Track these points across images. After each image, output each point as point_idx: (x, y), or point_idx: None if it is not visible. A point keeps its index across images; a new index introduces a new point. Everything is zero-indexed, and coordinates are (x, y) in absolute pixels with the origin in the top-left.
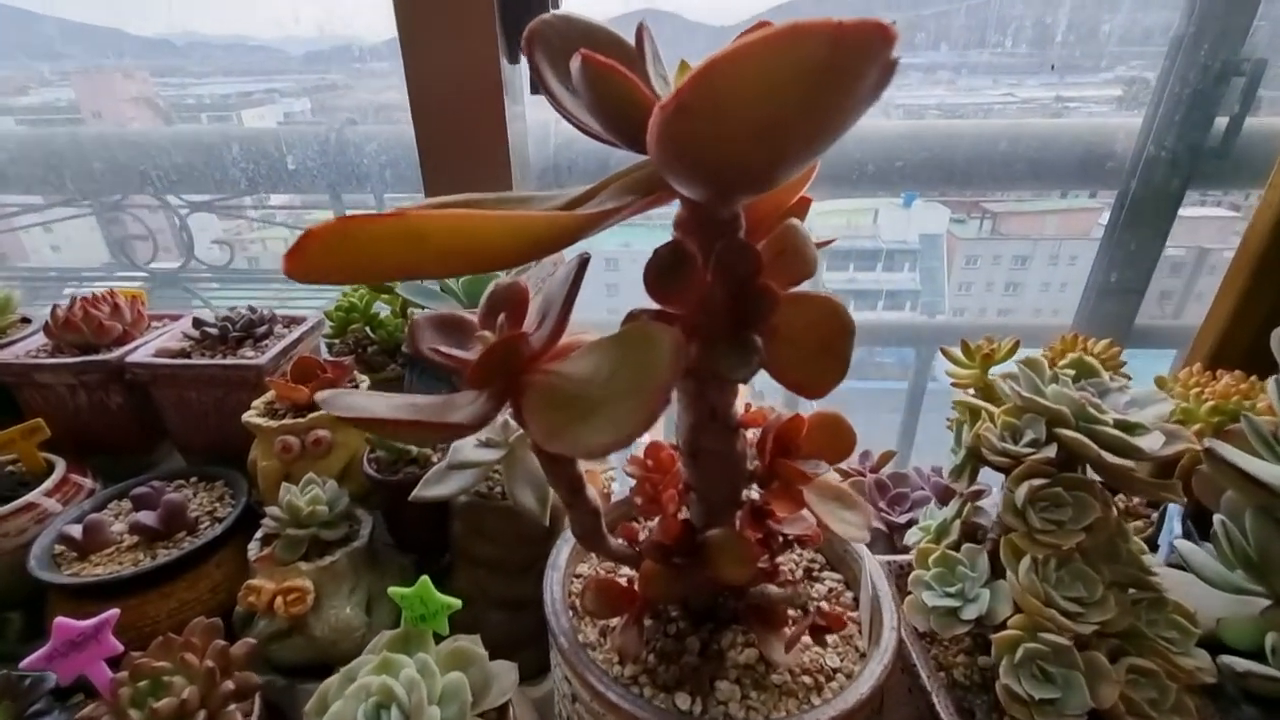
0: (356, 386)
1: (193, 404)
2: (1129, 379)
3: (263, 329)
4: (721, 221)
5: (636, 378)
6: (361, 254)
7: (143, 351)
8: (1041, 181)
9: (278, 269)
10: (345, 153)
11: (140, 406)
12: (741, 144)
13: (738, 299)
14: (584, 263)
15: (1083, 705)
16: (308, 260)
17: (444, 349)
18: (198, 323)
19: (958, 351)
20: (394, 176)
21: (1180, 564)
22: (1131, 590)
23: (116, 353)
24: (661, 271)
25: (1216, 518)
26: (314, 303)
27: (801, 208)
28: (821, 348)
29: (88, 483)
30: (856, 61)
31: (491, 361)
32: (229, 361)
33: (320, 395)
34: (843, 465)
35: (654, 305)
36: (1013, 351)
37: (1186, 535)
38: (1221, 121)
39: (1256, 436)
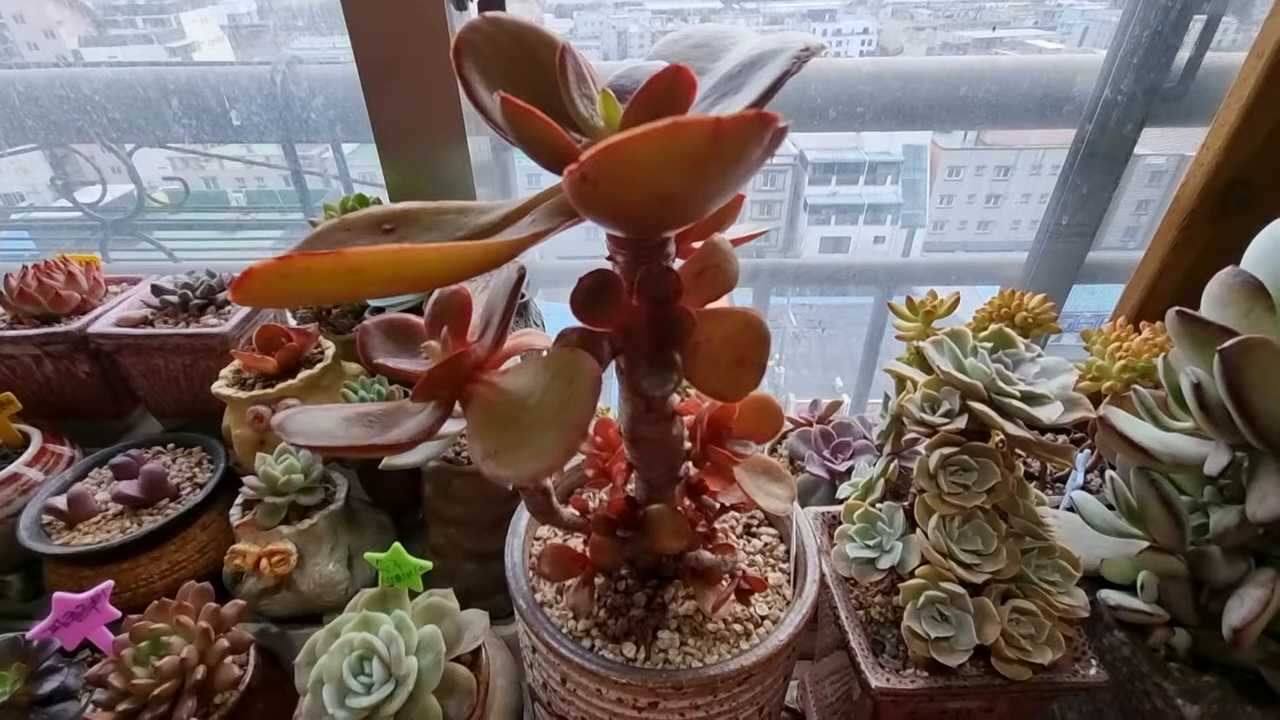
0: (322, 353)
1: (161, 371)
2: (1059, 330)
3: (223, 294)
4: (648, 247)
5: (559, 410)
6: (301, 288)
7: (104, 321)
8: (1000, 122)
9: (231, 216)
10: (292, 107)
11: (108, 374)
12: (641, 207)
13: (659, 321)
14: (521, 277)
15: (970, 642)
16: (249, 294)
17: (392, 363)
18: (157, 290)
19: (903, 306)
20: (345, 130)
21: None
22: (1026, 539)
23: (78, 323)
24: (587, 297)
25: (1108, 473)
26: (281, 251)
27: (735, 206)
28: (737, 359)
29: (66, 450)
30: (736, 148)
31: (437, 379)
32: (193, 330)
33: (275, 420)
34: (793, 414)
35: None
36: (953, 307)
37: (1094, 479)
38: (1178, 65)
39: (1143, 407)
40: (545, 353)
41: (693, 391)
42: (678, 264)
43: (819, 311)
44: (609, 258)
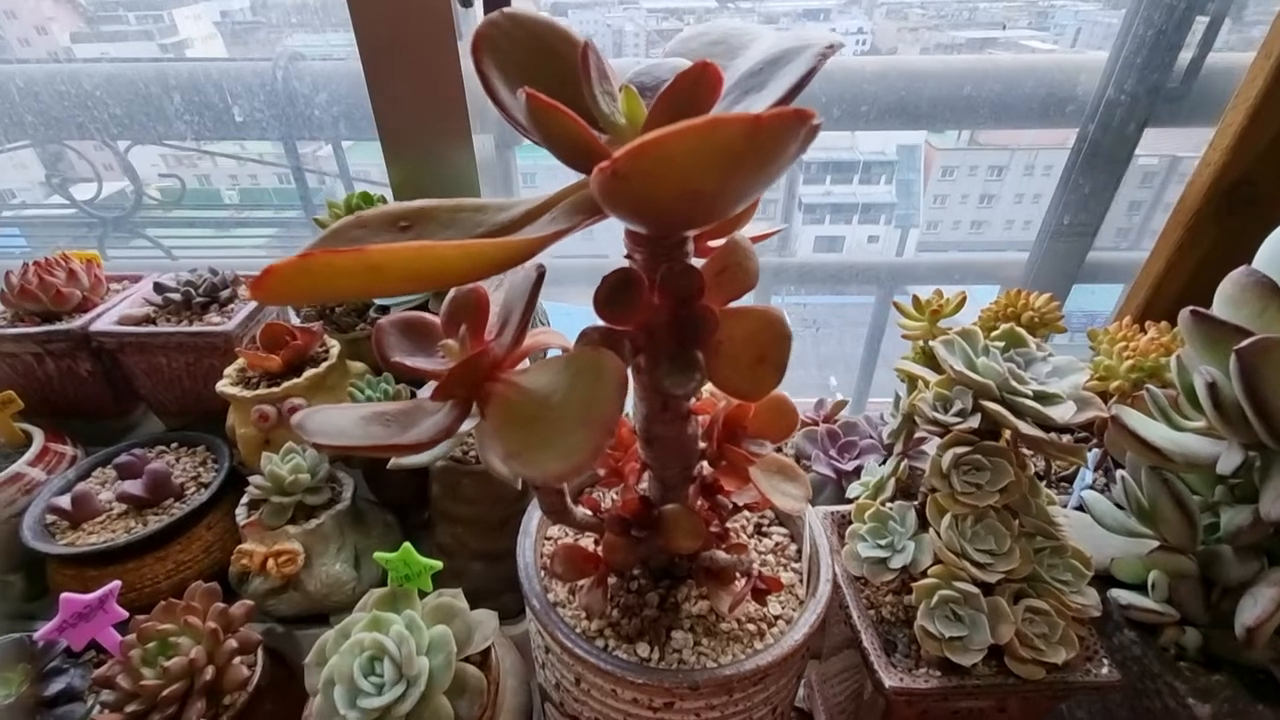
0: (327, 351)
1: (164, 369)
2: (1064, 329)
3: (226, 292)
4: (668, 245)
5: (585, 409)
6: (321, 285)
7: (106, 319)
8: (1004, 122)
9: (229, 214)
10: (295, 104)
11: (111, 372)
12: (671, 205)
13: (681, 319)
14: (541, 275)
15: (984, 641)
16: (269, 291)
17: (410, 361)
18: (159, 288)
19: (909, 305)
20: (349, 127)
21: (1086, 509)
22: (1038, 538)
23: (79, 321)
24: (611, 295)
25: (1119, 472)
26: (276, 249)
27: (753, 204)
28: (759, 358)
29: (68, 450)
30: (773, 145)
31: (456, 379)
32: (196, 328)
33: (294, 419)
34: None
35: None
36: (960, 306)
37: (1100, 478)
38: (1181, 64)
39: (1155, 406)
40: (562, 352)
41: (707, 390)
42: (697, 263)
43: (813, 310)
44: (627, 255)
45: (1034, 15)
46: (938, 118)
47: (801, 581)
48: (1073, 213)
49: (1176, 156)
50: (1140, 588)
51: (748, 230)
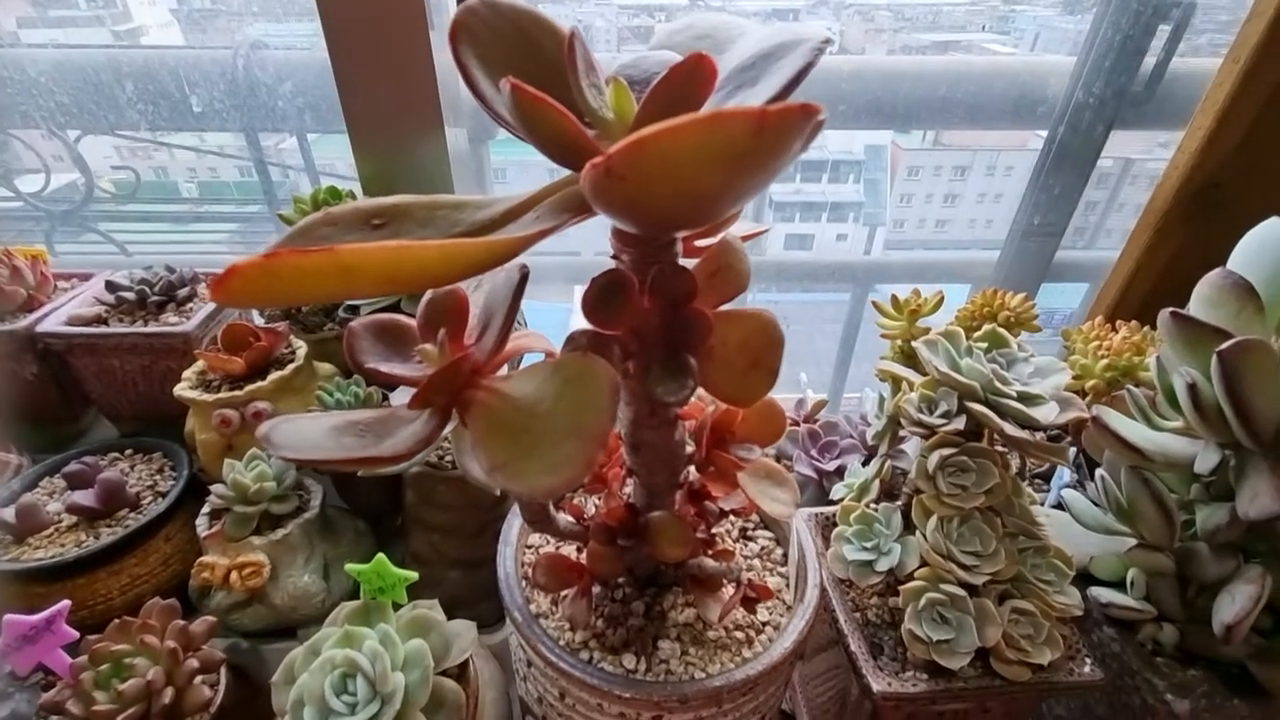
0: (293, 353)
1: (116, 372)
2: (1039, 329)
3: (184, 290)
4: (658, 246)
5: (576, 418)
6: (289, 287)
7: (53, 319)
8: (977, 123)
9: (186, 208)
10: (257, 94)
11: (59, 375)
12: (668, 205)
13: (673, 323)
14: (524, 277)
15: (972, 644)
16: (231, 293)
17: (385, 368)
18: (112, 286)
19: (887, 305)
20: (315, 119)
21: (1065, 508)
22: (1021, 538)
23: (24, 321)
24: (599, 298)
25: (1098, 471)
26: (237, 245)
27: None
28: (752, 363)
29: (13, 458)
30: (778, 142)
31: (435, 386)
32: (152, 329)
33: (259, 432)
34: None
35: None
36: (938, 306)
37: (1073, 475)
38: (1145, 69)
39: (1135, 406)
40: (545, 356)
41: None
42: (688, 264)
43: (784, 308)
44: (614, 256)
45: (995, 19)
46: (913, 118)
47: (788, 586)
48: (1043, 213)
49: (1130, 159)
50: (1119, 585)
51: (735, 230)
